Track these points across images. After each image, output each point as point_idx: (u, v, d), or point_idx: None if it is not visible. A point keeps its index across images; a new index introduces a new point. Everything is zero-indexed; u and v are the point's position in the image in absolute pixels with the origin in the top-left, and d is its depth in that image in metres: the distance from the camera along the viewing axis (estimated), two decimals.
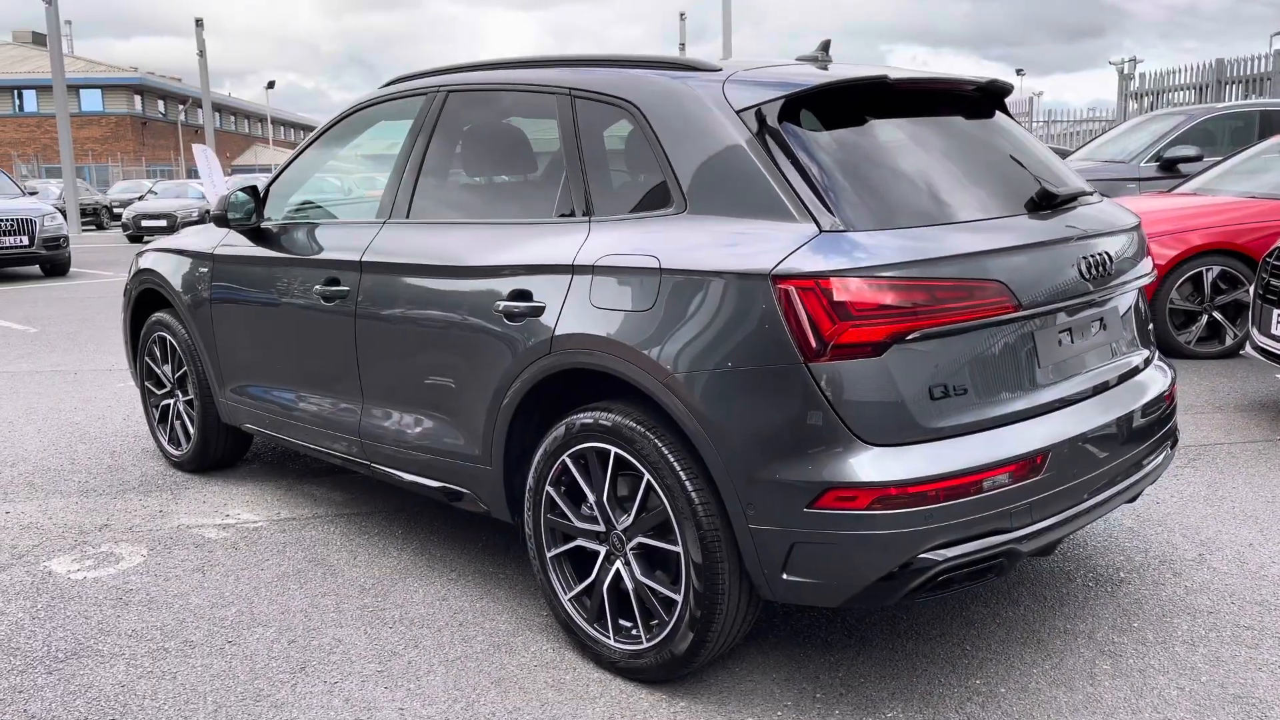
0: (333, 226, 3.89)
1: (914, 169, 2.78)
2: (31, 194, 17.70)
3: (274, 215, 4.22)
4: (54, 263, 15.37)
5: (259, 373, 4.28)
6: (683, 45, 38.53)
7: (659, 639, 2.79)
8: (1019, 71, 60.00)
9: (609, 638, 2.92)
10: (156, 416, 5.09)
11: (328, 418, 3.89)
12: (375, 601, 3.46)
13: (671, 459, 2.66)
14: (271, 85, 56.48)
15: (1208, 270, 6.88)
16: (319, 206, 4.28)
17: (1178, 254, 6.84)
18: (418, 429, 3.48)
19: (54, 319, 10.61)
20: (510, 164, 3.47)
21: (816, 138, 2.69)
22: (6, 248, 14.76)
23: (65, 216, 27.28)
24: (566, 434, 2.92)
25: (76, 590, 3.60)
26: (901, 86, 2.91)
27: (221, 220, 4.16)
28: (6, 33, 65.63)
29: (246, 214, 4.15)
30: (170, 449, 4.99)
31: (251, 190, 4.15)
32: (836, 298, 2.41)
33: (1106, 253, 2.91)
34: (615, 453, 2.80)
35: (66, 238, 15.55)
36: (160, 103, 58.16)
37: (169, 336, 4.79)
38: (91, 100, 53.79)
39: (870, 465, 2.41)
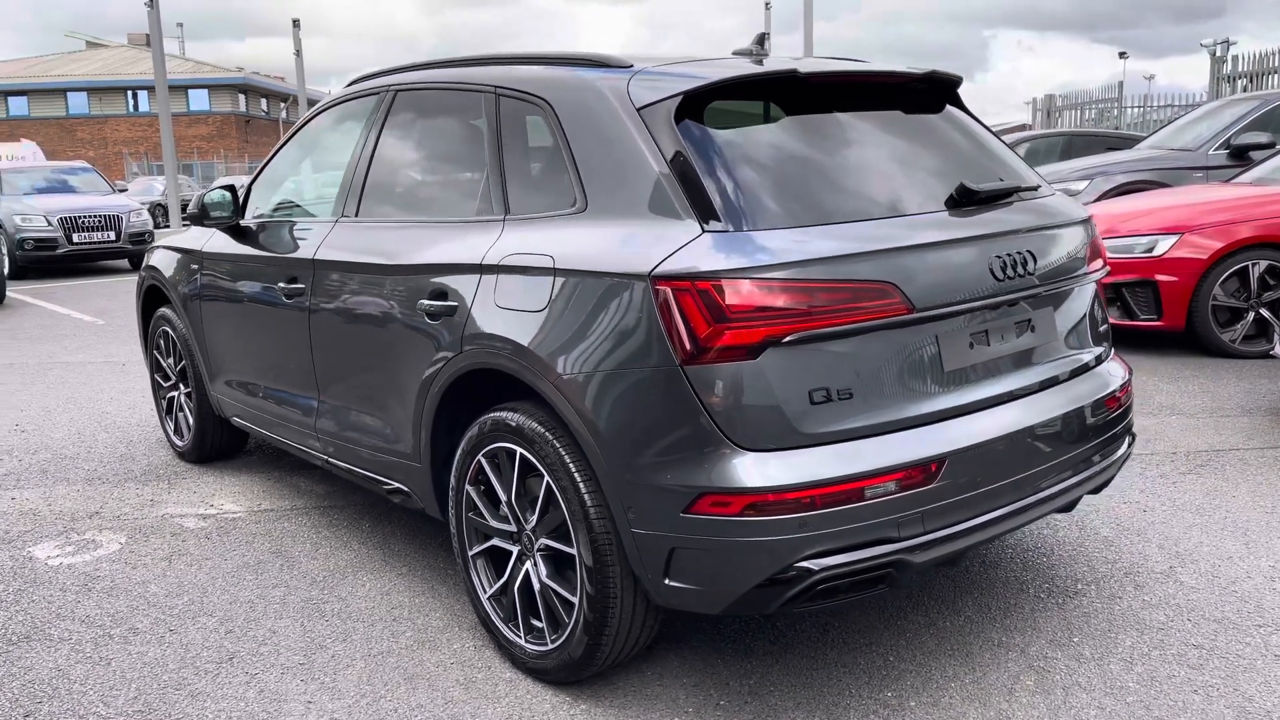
0: (299, 225, 3.97)
1: (821, 166, 2.70)
2: (121, 191, 18.49)
3: (255, 213, 4.33)
4: (139, 257, 16.03)
5: (238, 368, 4.40)
6: (766, 35, 38.13)
7: (559, 641, 2.77)
8: (1122, 54, 57.75)
9: (521, 638, 2.92)
10: (164, 408, 5.27)
11: (291, 414, 3.98)
12: (321, 594, 3.52)
13: (567, 460, 2.64)
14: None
15: (1254, 265, 6.52)
16: (296, 205, 4.37)
17: (1222, 247, 6.49)
18: (363, 426, 3.53)
19: (123, 312, 11.06)
20: (446, 163, 3.49)
21: (715, 135, 2.63)
22: (95, 243, 15.47)
23: (167, 212, 28.48)
24: (479, 433, 2.92)
25: (49, 575, 3.75)
26: (816, 80, 2.83)
27: (195, 219, 4.27)
28: (124, 35, 68.47)
29: (229, 212, 4.26)
30: (175, 440, 5.17)
31: (230, 189, 4.26)
32: (712, 300, 2.35)
33: (1029, 252, 2.78)
34: (520, 453, 2.79)
35: (152, 233, 16.20)
36: (263, 101, 60.14)
37: (170, 331, 4.95)
38: (199, 100, 55.94)
39: (744, 471, 2.36)
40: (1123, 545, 3.67)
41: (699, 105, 2.66)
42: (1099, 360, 3.13)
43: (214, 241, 4.48)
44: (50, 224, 15.14)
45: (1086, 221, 3.13)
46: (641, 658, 2.96)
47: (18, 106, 56.87)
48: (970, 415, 2.64)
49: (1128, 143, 12.77)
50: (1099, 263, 3.14)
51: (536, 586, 2.85)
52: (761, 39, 3.23)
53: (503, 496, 2.91)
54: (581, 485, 2.61)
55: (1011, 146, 3.36)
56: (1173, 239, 6.56)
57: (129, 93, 56.73)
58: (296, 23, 42.24)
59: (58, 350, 8.70)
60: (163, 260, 4.96)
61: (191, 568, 3.78)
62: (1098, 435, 2.95)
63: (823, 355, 2.41)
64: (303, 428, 3.92)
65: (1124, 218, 7.02)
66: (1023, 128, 27.80)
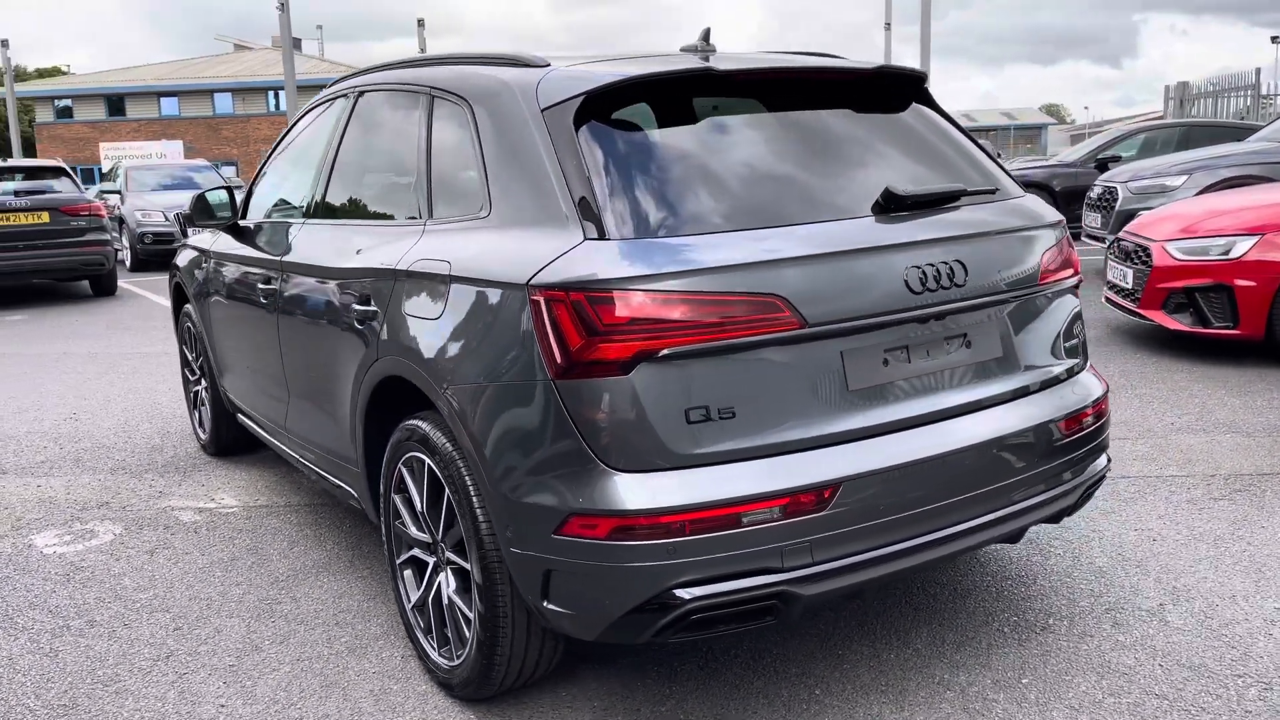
0: (284, 226, 4.01)
1: (728, 170, 2.54)
2: (237, 188, 19.26)
3: (254, 214, 4.40)
4: None
5: (235, 364, 4.49)
6: (888, 25, 37.16)
7: (461, 658, 2.71)
8: (1275, 39, 53.84)
9: (435, 651, 2.86)
10: (191, 401, 5.43)
11: (270, 412, 4.04)
12: (278, 594, 3.54)
13: (464, 473, 2.56)
14: None
15: None
16: (289, 205, 4.41)
17: None
18: (317, 427, 3.54)
19: None
20: (389, 165, 3.45)
21: (615, 137, 2.50)
22: None
23: None
24: (398, 440, 2.88)
25: (39, 564, 3.89)
26: (740, 78, 2.67)
27: (189, 219, 4.36)
28: (268, 38, 71.47)
29: (228, 213, 4.34)
30: (199, 432, 5.32)
31: (228, 190, 4.34)
32: (585, 311, 2.24)
33: (958, 262, 2.56)
34: (429, 463, 2.73)
35: None
36: None
37: (191, 327, 5.09)
38: None
39: (612, 493, 2.23)
40: (1115, 577, 3.37)
41: (603, 106, 2.54)
42: (1066, 376, 2.87)
43: (219, 242, 4.57)
44: (168, 220, 15.90)
45: (1053, 226, 2.87)
46: (561, 677, 2.87)
47: (169, 107, 60.15)
48: (882, 437, 2.44)
49: (1248, 134, 11.91)
50: (1068, 271, 2.88)
51: (444, 601, 2.79)
52: (706, 34, 3.07)
53: (418, 506, 2.86)
54: (475, 500, 2.53)
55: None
56: (1252, 240, 6.05)
57: (269, 93, 59.27)
58: (421, 22, 43.37)
59: (141, 341, 9.10)
60: (183, 258, 5.10)
61: (169, 562, 3.86)
62: (1049, 459, 2.70)
63: (702, 372, 2.27)
64: (277, 425, 3.97)
65: (1207, 216, 6.52)
66: (1159, 118, 26.32)
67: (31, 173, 13.83)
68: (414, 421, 2.78)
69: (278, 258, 3.74)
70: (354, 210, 3.56)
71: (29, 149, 50.68)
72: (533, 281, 2.31)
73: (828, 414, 2.39)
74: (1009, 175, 3.04)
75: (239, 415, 4.67)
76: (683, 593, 2.23)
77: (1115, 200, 9.40)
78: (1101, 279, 7.57)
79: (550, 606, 2.39)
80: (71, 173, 14.07)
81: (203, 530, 4.18)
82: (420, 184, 3.00)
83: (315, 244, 3.54)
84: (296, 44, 72.03)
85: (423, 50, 43.64)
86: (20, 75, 60.44)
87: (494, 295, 2.44)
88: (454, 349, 2.54)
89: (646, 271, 2.24)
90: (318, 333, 3.39)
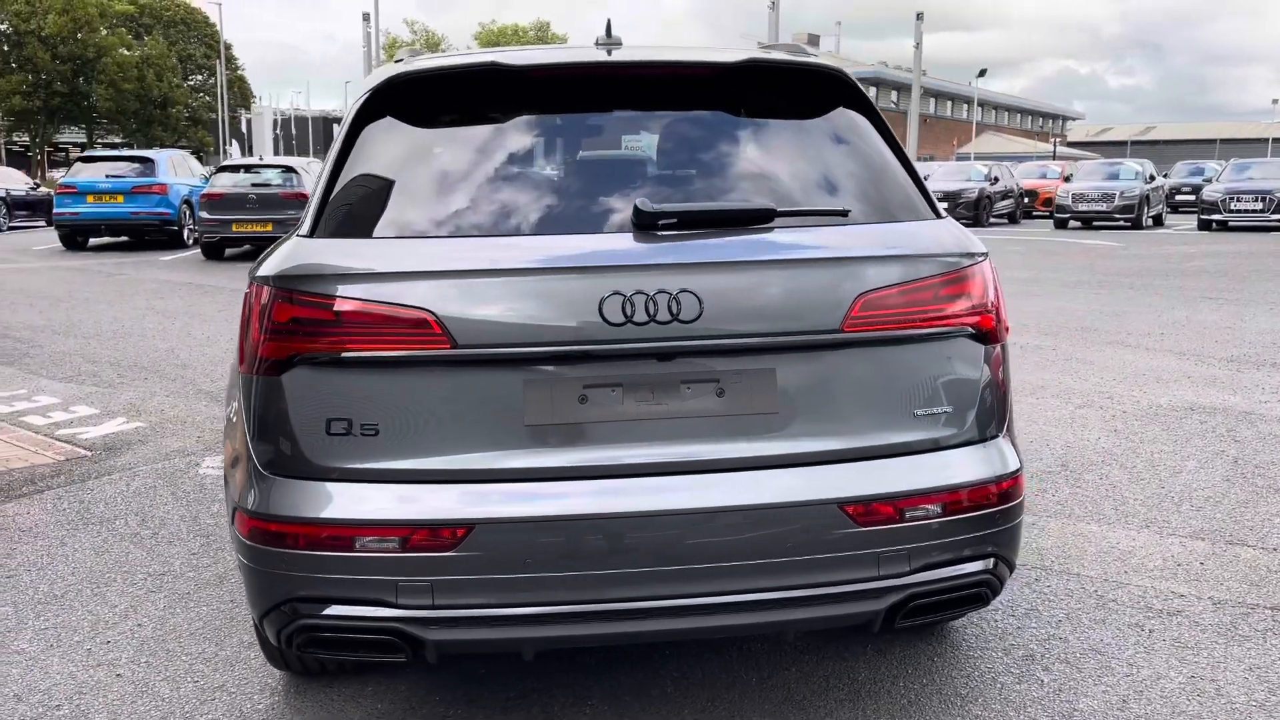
0: None
1: (478, 174, 2.37)
2: None
3: None
4: None
5: None
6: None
7: None
8: None
9: None
10: None
11: None
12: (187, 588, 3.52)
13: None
14: (982, 74, 56.04)
15: None
16: None
17: None
18: None
19: None
20: None
21: (383, 134, 2.45)
22: None
23: None
24: None
25: (193, 482, 4.65)
26: (538, 74, 2.47)
27: None
28: (788, 34, 74.50)
29: None
30: None
31: None
32: (266, 307, 2.26)
33: (689, 293, 2.13)
34: None
35: None
36: (893, 93, 61.66)
37: None
38: None
39: (251, 493, 2.25)
40: None
41: (390, 102, 2.47)
42: (929, 448, 2.27)
43: None
44: None
45: (942, 258, 2.28)
46: (388, 674, 2.85)
47: None
48: (561, 482, 2.15)
49: None
50: (947, 315, 2.27)
51: None
52: (608, 27, 2.82)
53: None
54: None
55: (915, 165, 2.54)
56: None
57: None
58: (920, 16, 42.66)
59: None
60: None
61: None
62: (831, 548, 2.17)
63: (350, 384, 2.18)
64: None
65: None
66: None
67: None
68: None
69: None
70: None
71: None
72: (254, 274, 2.36)
73: (490, 447, 2.16)
74: (926, 197, 2.45)
75: None
76: (299, 606, 2.17)
77: None
78: None
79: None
80: None
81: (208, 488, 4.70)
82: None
83: None
84: (814, 40, 74.66)
85: (917, 44, 42.88)
86: None
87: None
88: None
89: (312, 272, 2.21)
90: None
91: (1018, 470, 2.38)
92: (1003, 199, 26.23)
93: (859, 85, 2.59)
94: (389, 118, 2.46)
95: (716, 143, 2.47)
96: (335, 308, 2.17)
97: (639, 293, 2.13)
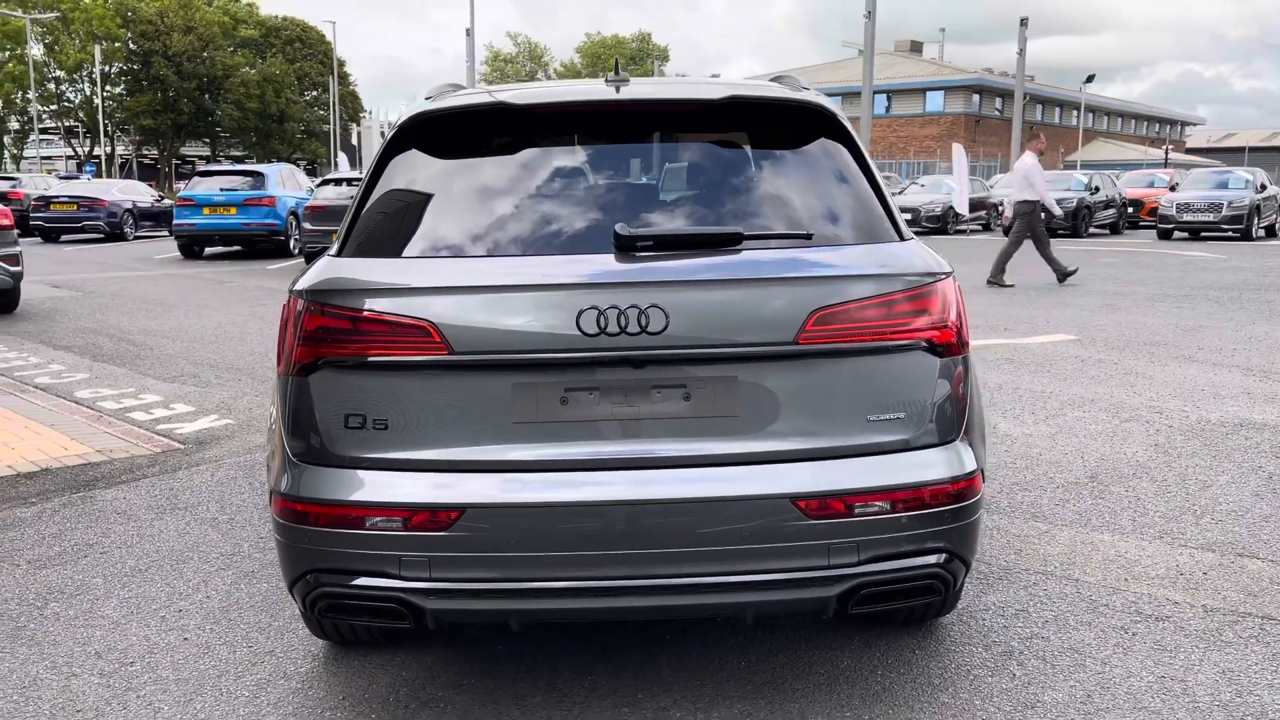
0: None
1: (487, 200, 2.69)
2: None
3: None
4: None
5: None
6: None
7: None
8: None
9: None
10: None
11: None
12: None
13: None
14: (1090, 79, 54.43)
15: None
16: None
17: None
18: None
19: None
20: None
21: (409, 165, 2.79)
22: None
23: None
24: None
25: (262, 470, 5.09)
26: (541, 111, 2.78)
27: None
28: (889, 41, 73.74)
29: None
30: None
31: None
32: (300, 317, 2.62)
33: (656, 308, 2.40)
34: None
35: None
36: (997, 100, 60.44)
37: None
38: (934, 101, 58.68)
39: (282, 477, 2.60)
40: None
41: (415, 137, 2.82)
42: (889, 449, 2.51)
43: None
44: None
45: (898, 278, 2.52)
46: (415, 647, 3.19)
47: None
48: (543, 474, 2.46)
49: None
50: (907, 330, 2.51)
51: None
52: (616, 66, 3.12)
53: None
54: None
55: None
56: None
57: (875, 96, 61.42)
58: (1024, 21, 41.78)
59: None
60: None
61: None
62: (785, 538, 2.41)
63: (364, 384, 2.52)
64: None
65: None
66: None
67: None
68: None
69: None
70: None
71: None
72: (293, 287, 2.72)
73: (483, 442, 2.47)
74: (892, 220, 2.67)
75: None
76: (323, 576, 2.52)
77: None
78: None
79: None
80: None
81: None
82: None
83: None
84: (917, 47, 73.63)
85: (1021, 50, 42.01)
86: None
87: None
88: None
89: (336, 287, 2.56)
90: None
91: (973, 472, 2.58)
92: (1104, 209, 25.63)
93: (838, 116, 2.82)
94: (411, 151, 2.80)
95: (698, 172, 2.74)
96: (354, 318, 2.51)
97: (612, 307, 2.43)
